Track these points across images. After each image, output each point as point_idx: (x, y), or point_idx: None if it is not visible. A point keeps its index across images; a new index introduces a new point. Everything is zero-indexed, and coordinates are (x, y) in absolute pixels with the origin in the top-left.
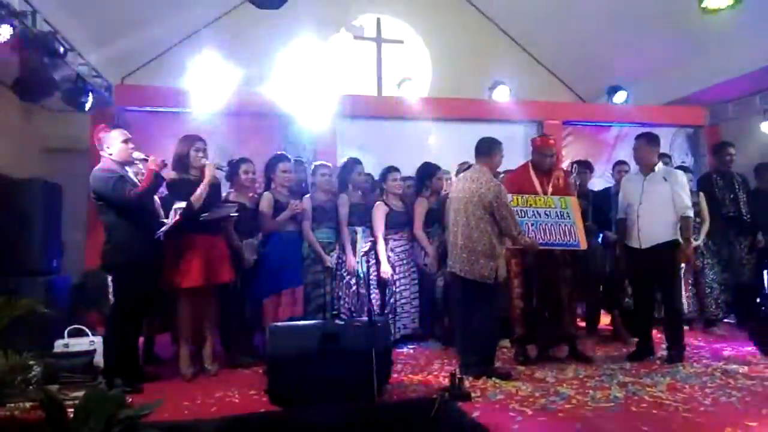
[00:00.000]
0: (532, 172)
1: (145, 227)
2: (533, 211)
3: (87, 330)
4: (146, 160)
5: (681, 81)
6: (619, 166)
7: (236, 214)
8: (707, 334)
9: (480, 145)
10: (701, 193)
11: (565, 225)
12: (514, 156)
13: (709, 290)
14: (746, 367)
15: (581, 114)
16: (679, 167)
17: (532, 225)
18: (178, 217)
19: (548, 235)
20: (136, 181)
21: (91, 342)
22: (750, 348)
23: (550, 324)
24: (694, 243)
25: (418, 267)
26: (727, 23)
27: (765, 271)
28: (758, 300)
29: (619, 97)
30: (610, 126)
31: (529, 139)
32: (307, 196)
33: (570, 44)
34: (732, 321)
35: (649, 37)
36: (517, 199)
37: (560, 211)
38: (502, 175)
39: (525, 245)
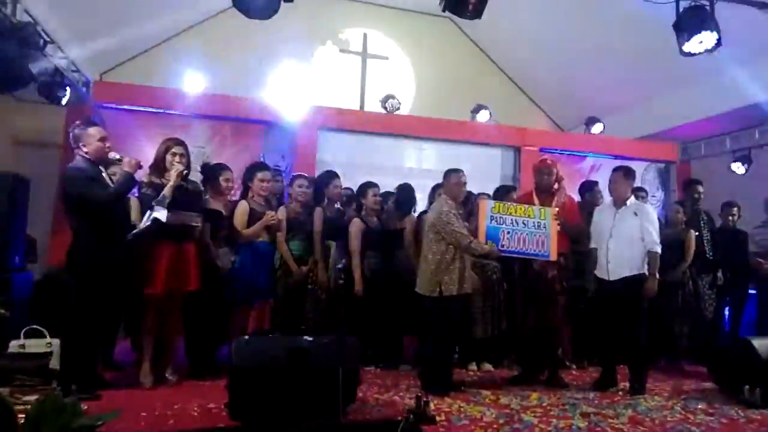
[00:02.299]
0: (534, 195)
1: (114, 230)
2: (512, 219)
3: (45, 331)
4: (121, 161)
5: (655, 117)
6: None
7: (198, 225)
8: (669, 369)
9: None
10: (691, 231)
11: (540, 235)
12: (491, 179)
13: (671, 327)
14: (705, 403)
15: (558, 142)
16: (677, 203)
17: (508, 233)
18: (149, 223)
19: (522, 243)
20: (109, 181)
21: (48, 344)
22: (709, 384)
23: (539, 347)
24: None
25: None
26: (702, 65)
27: (725, 309)
28: (718, 336)
29: (597, 128)
30: (586, 156)
31: (506, 163)
32: (283, 206)
33: (552, 74)
34: (692, 357)
35: (627, 72)
36: (499, 206)
37: (538, 222)
38: (479, 196)
39: (483, 252)
